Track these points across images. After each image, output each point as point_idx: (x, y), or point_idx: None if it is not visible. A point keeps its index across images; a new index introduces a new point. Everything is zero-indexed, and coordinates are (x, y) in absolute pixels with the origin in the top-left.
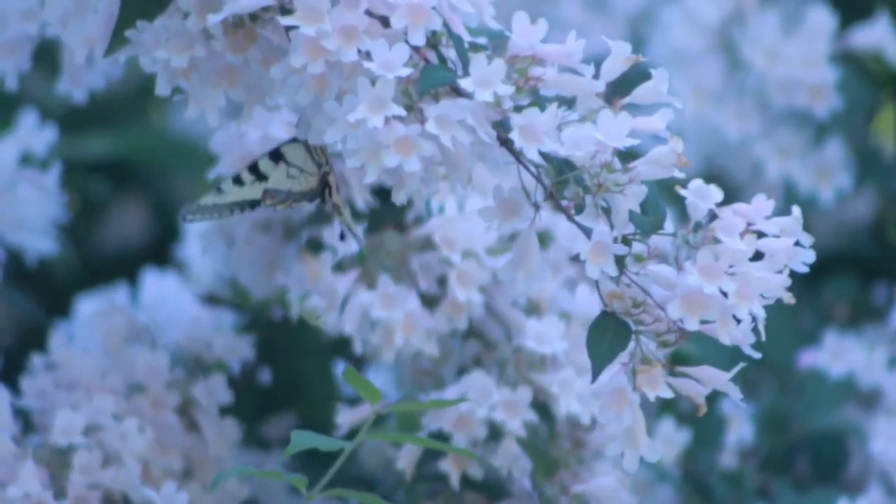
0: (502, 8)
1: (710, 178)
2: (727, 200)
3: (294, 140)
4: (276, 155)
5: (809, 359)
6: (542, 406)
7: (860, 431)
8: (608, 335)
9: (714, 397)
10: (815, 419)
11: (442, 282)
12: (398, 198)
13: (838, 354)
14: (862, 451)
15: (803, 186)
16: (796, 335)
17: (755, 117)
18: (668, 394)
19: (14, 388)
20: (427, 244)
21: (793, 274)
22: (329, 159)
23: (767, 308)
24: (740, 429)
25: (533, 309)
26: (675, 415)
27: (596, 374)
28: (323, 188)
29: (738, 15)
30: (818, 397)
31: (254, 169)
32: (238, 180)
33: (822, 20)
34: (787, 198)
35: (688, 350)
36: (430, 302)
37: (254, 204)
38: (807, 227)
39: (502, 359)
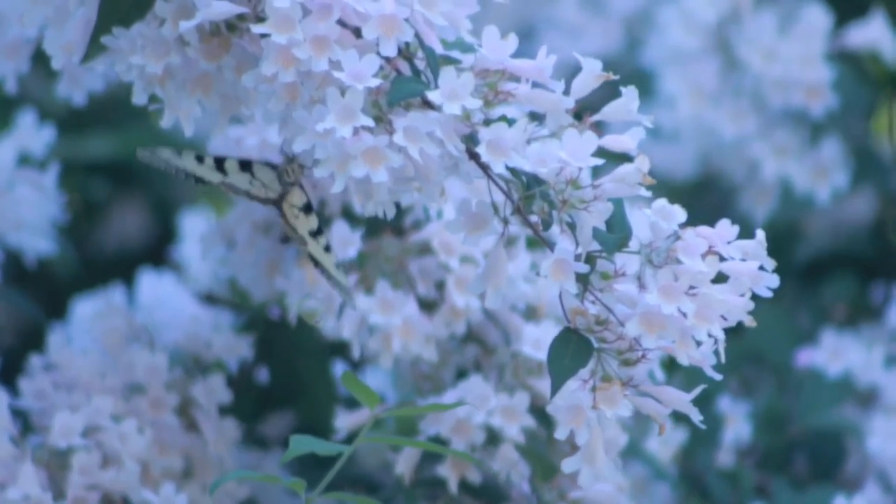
0: (498, 9)
1: (706, 178)
2: (723, 200)
3: (266, 163)
4: (245, 165)
5: (807, 358)
6: (540, 411)
7: (858, 430)
8: (570, 351)
9: (712, 396)
10: (812, 418)
11: (440, 287)
12: (367, 209)
13: (836, 353)
14: (859, 450)
15: (800, 186)
16: (794, 334)
17: (752, 117)
18: (626, 412)
19: (13, 388)
20: (425, 249)
21: (791, 273)
22: (299, 181)
23: (765, 307)
24: (738, 427)
25: (532, 314)
26: (671, 413)
27: (555, 389)
28: (281, 201)
29: (735, 15)
30: (816, 396)
31: (219, 162)
32: (199, 159)
33: (818, 19)
34: (784, 197)
35: None
36: (428, 307)
37: (200, 181)
38: (805, 227)
39: (501, 363)
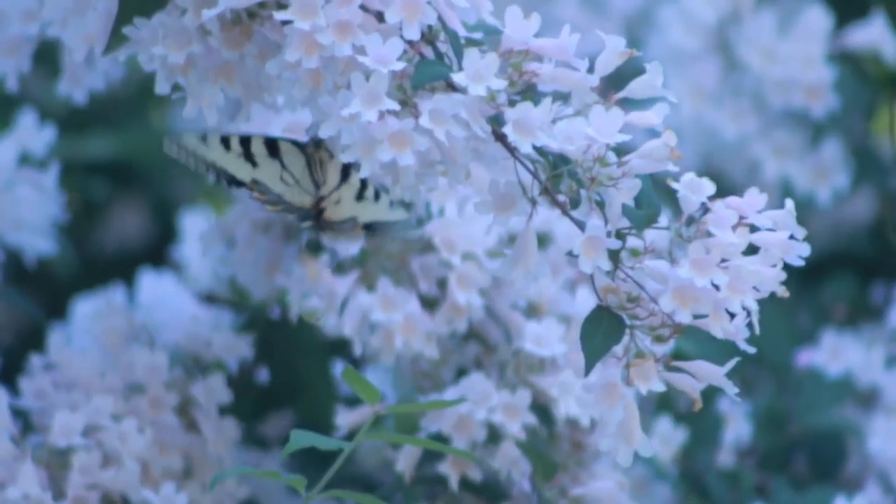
0: (499, 8)
1: (707, 178)
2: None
3: (295, 143)
4: (272, 146)
5: (807, 358)
6: (541, 408)
7: (858, 430)
8: (602, 329)
9: (711, 395)
10: (812, 418)
11: (442, 284)
12: (394, 193)
13: (836, 353)
14: (860, 450)
15: (800, 186)
16: (794, 334)
17: (752, 117)
18: (660, 387)
19: (13, 388)
20: (427, 246)
21: (791, 273)
22: (328, 180)
23: (765, 307)
24: (738, 427)
25: (533, 311)
26: (672, 413)
27: (589, 367)
28: (317, 215)
29: (735, 15)
30: (816, 396)
31: (245, 143)
32: (225, 143)
33: (819, 20)
34: (784, 197)
35: (686, 349)
36: (430, 304)
37: (232, 181)
38: (805, 227)
39: (502, 361)
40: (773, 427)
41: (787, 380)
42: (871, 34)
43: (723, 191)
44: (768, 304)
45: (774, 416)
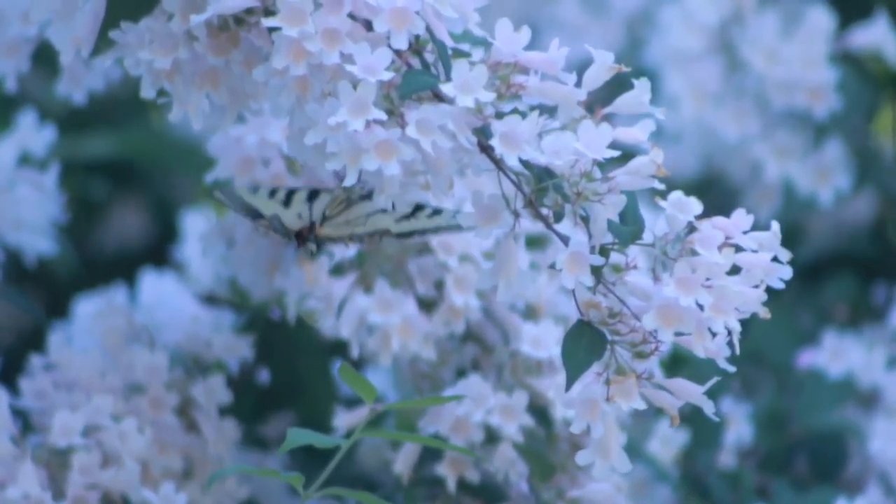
0: (500, 9)
1: (708, 179)
2: (725, 201)
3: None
4: (312, 195)
5: (808, 358)
6: (539, 410)
7: (859, 431)
8: (583, 344)
9: (712, 396)
10: (814, 419)
11: (439, 286)
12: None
13: (837, 354)
14: (861, 451)
15: (802, 187)
16: (795, 335)
17: (754, 118)
18: (640, 405)
19: (13, 388)
20: (424, 248)
21: (792, 273)
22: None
23: (766, 307)
24: (739, 428)
25: (530, 313)
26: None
27: (570, 383)
28: (300, 237)
29: (737, 15)
30: (817, 397)
31: (289, 194)
32: (272, 194)
33: (821, 20)
34: (787, 199)
35: (684, 351)
36: (427, 306)
37: (256, 215)
38: (806, 228)
39: (500, 362)
40: (774, 428)
41: (787, 380)
42: (873, 35)
43: (724, 192)
44: (769, 305)
45: (775, 417)
